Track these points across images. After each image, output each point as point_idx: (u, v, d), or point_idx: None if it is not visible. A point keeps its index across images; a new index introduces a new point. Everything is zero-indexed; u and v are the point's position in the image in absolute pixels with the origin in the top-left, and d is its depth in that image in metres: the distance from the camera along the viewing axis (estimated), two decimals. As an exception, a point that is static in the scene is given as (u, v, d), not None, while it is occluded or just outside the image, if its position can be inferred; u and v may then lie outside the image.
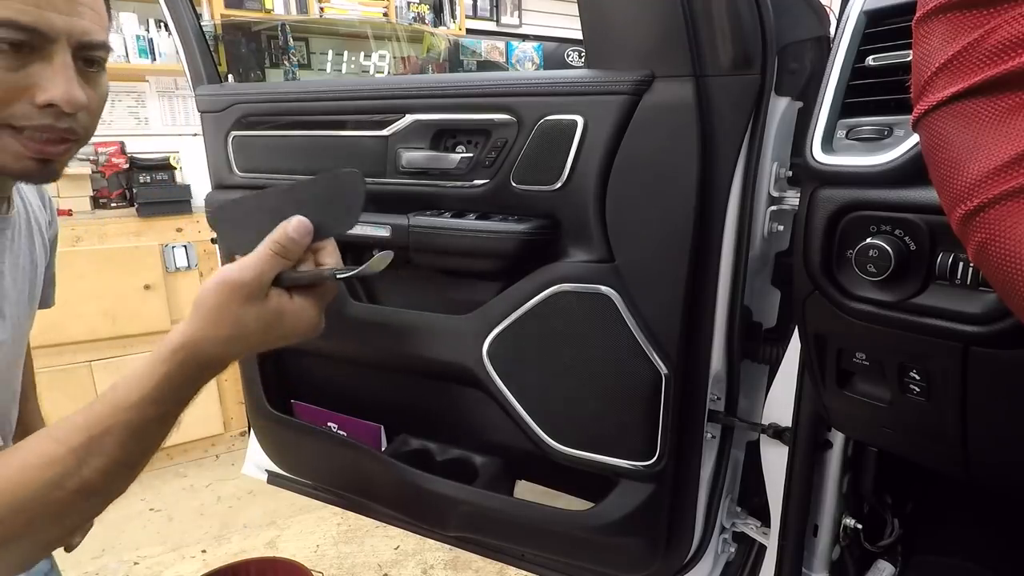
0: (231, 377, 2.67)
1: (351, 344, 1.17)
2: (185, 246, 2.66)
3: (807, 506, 0.94)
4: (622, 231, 0.91)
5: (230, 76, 2.92)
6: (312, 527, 2.20)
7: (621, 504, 1.00)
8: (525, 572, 1.23)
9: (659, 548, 1.01)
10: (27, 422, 1.00)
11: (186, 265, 2.65)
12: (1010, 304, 0.40)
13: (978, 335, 0.61)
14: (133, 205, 2.86)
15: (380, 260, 0.71)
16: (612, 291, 0.91)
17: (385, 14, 3.50)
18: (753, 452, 1.04)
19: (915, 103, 0.44)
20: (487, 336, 1.02)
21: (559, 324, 0.96)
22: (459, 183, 1.01)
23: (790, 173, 0.91)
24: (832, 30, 0.81)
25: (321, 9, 3.32)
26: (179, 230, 2.68)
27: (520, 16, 4.23)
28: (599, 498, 1.03)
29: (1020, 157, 0.37)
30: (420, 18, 3.74)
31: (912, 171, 0.62)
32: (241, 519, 2.28)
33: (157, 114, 3.06)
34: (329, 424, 1.30)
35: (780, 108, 0.88)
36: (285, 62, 3.08)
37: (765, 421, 0.96)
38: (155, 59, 2.89)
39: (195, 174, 3.02)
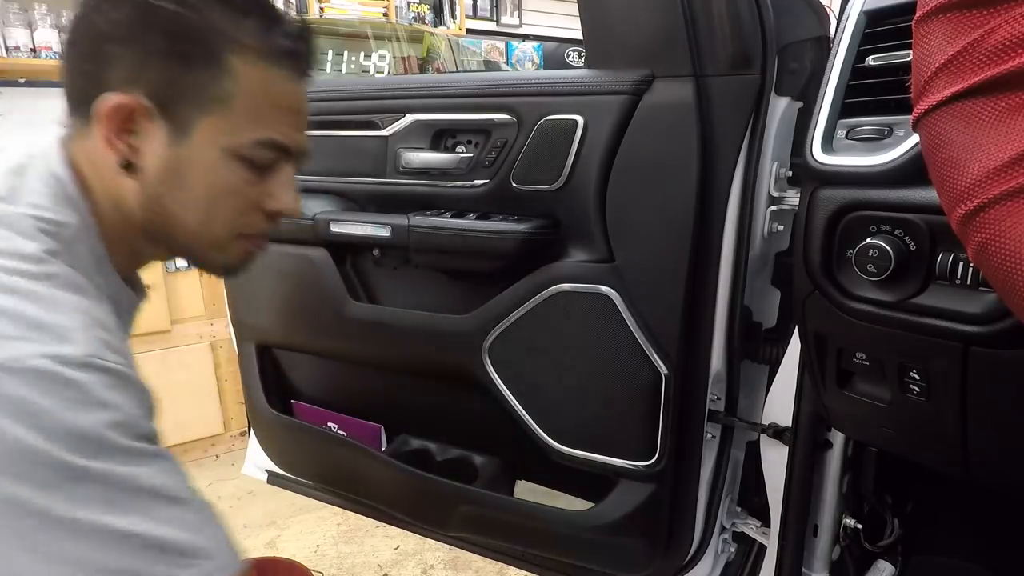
0: (231, 377, 2.67)
1: (351, 344, 1.17)
2: (185, 246, 2.65)
3: (807, 506, 0.94)
4: (622, 231, 0.91)
5: None
6: (312, 527, 2.20)
7: (621, 504, 1.00)
8: (525, 572, 1.23)
9: (659, 548, 1.01)
10: None
11: (186, 265, 2.65)
12: (1010, 304, 0.40)
13: (978, 335, 0.61)
14: (133, 205, 2.85)
15: None
16: (612, 291, 0.91)
17: (385, 14, 3.50)
18: (753, 452, 1.04)
19: (915, 103, 0.44)
20: (487, 336, 1.02)
21: (559, 324, 0.96)
22: (459, 183, 1.01)
23: (790, 173, 0.91)
24: (832, 30, 0.80)
25: (321, 9, 3.32)
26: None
27: (520, 16, 4.23)
28: (599, 498, 1.03)
29: (1020, 157, 0.37)
30: (420, 18, 3.74)
31: (912, 171, 0.62)
32: (241, 519, 2.28)
33: (157, 114, 3.06)
34: (329, 424, 1.30)
35: (780, 108, 0.88)
36: (285, 62, 3.07)
37: (765, 421, 0.96)
38: None
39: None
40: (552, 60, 4.15)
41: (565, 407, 1.01)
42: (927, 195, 0.62)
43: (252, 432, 1.44)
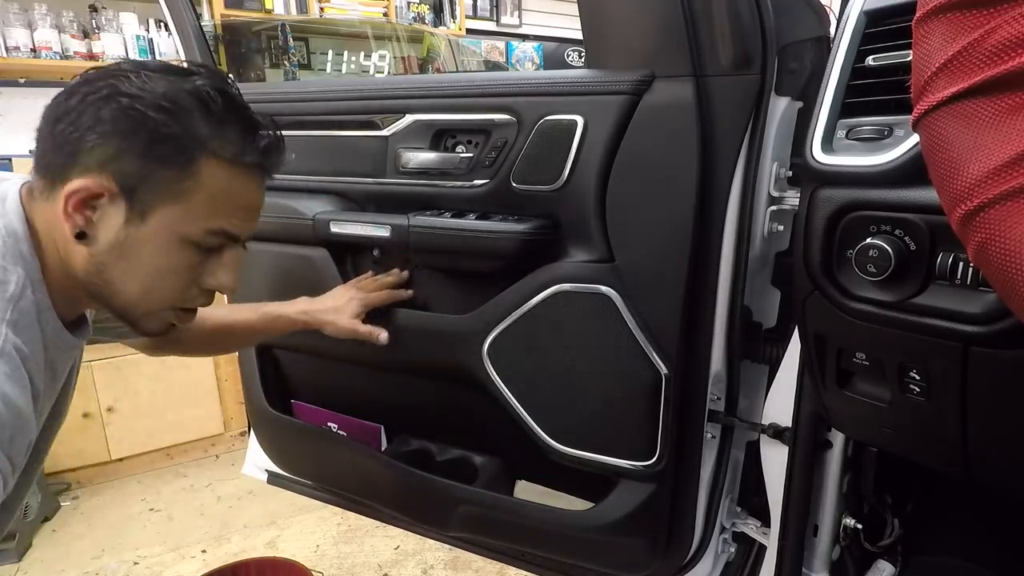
0: (231, 377, 2.66)
1: (351, 344, 1.17)
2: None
3: (807, 506, 0.94)
4: (622, 231, 0.91)
5: (230, 76, 2.92)
6: (312, 527, 2.20)
7: (621, 504, 1.00)
8: (525, 572, 1.23)
9: (659, 548, 1.01)
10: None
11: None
12: (1010, 304, 0.40)
13: (978, 335, 0.61)
14: (133, 205, 2.85)
15: None
16: (612, 291, 0.91)
17: (385, 14, 3.49)
18: (753, 452, 1.04)
19: (915, 103, 0.44)
20: (487, 336, 1.02)
21: (559, 324, 0.96)
22: (459, 183, 1.01)
23: (790, 173, 0.91)
24: (832, 30, 0.80)
25: (321, 9, 3.32)
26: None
27: (520, 16, 4.23)
28: (599, 498, 1.03)
29: (1020, 157, 0.37)
30: (420, 18, 3.74)
31: (912, 171, 0.62)
32: (241, 519, 2.28)
33: (157, 114, 3.06)
34: (329, 424, 1.30)
35: (780, 108, 0.88)
36: (285, 62, 3.08)
37: (765, 421, 0.96)
38: (155, 59, 2.89)
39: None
40: (552, 60, 4.14)
41: (565, 407, 1.01)
42: (927, 195, 0.62)
43: (252, 432, 1.44)
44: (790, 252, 0.94)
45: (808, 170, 0.71)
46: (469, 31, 4.00)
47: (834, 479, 0.94)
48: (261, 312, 1.10)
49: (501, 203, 0.99)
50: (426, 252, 1.04)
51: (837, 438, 0.92)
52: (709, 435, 0.99)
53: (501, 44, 4.09)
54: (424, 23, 3.74)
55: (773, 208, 0.91)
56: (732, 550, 1.12)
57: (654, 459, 0.95)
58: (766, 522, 1.03)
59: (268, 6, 3.11)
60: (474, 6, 4.06)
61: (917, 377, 0.68)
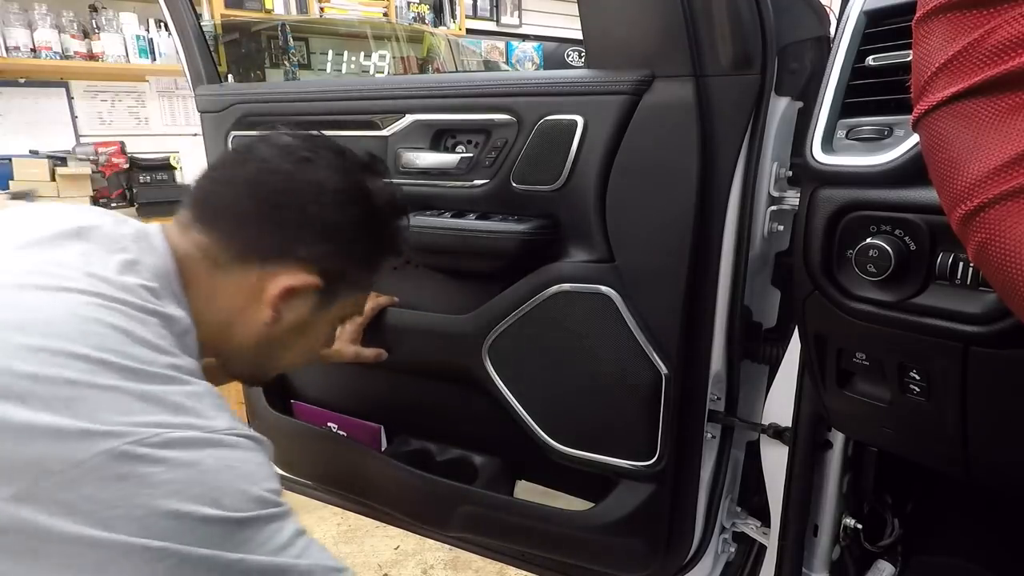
0: (231, 377, 2.66)
1: (351, 344, 1.17)
2: (185, 246, 2.65)
3: (807, 506, 0.94)
4: (622, 231, 0.91)
5: (230, 76, 2.92)
6: (312, 527, 2.20)
7: (621, 504, 1.00)
8: (525, 572, 1.23)
9: (659, 548, 1.01)
10: None
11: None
12: (1010, 304, 0.40)
13: (978, 335, 0.61)
14: (133, 205, 2.86)
15: None
16: (612, 291, 0.91)
17: (385, 14, 3.50)
18: (753, 452, 1.04)
19: (915, 103, 0.44)
20: (487, 336, 1.02)
21: (559, 324, 0.96)
22: (459, 183, 1.01)
23: (790, 173, 0.91)
24: (832, 30, 0.80)
25: (321, 9, 3.32)
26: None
27: (520, 16, 4.23)
28: (599, 498, 1.03)
29: (1020, 157, 0.37)
30: (420, 18, 3.74)
31: (912, 171, 0.62)
32: (241, 519, 2.28)
33: (157, 114, 3.06)
34: (329, 424, 1.30)
35: (780, 108, 0.88)
36: (285, 62, 3.07)
37: (765, 421, 0.96)
38: (155, 59, 2.89)
39: (195, 174, 3.01)
40: (552, 60, 4.15)
41: (565, 407, 1.01)
42: (927, 195, 0.62)
43: (252, 432, 1.44)
44: (790, 252, 0.94)
45: (808, 170, 0.71)
46: (469, 31, 4.01)
47: (834, 479, 0.94)
48: None
49: (501, 203, 0.99)
50: (426, 252, 1.04)
51: (837, 438, 0.92)
52: (709, 435, 0.99)
53: (501, 44, 4.10)
54: (424, 23, 3.74)
55: (773, 208, 0.91)
56: (732, 550, 1.12)
57: (654, 459, 0.95)
58: (766, 522, 1.03)
59: (268, 6, 3.11)
60: (474, 6, 4.06)
61: (917, 377, 0.68)
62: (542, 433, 1.03)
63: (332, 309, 0.74)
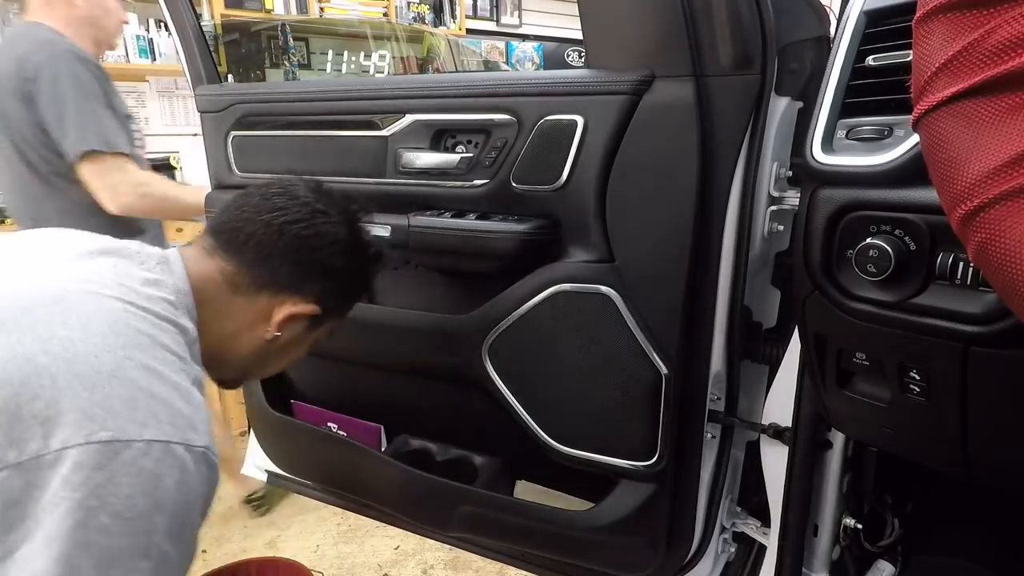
0: (231, 377, 2.66)
1: (351, 344, 1.17)
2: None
3: (807, 506, 0.94)
4: (622, 231, 0.91)
5: (230, 76, 2.92)
6: (312, 527, 2.20)
7: (621, 504, 1.00)
8: (525, 572, 1.23)
9: (659, 548, 1.01)
10: None
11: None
12: (1010, 304, 0.40)
13: (978, 335, 0.61)
14: (133, 205, 2.85)
15: None
16: (612, 291, 0.91)
17: (385, 14, 3.50)
18: (753, 452, 1.04)
19: (915, 103, 0.44)
20: (487, 336, 1.02)
21: (559, 324, 0.96)
22: (459, 183, 1.01)
23: (790, 173, 0.91)
24: (832, 30, 0.80)
25: (321, 9, 3.32)
26: (179, 230, 2.67)
27: (520, 16, 4.23)
28: (599, 498, 1.03)
29: (1020, 157, 0.37)
30: (420, 18, 3.74)
31: (912, 171, 0.62)
32: (241, 519, 2.28)
33: (157, 114, 3.06)
34: (329, 424, 1.30)
35: (780, 108, 0.88)
36: (285, 62, 3.08)
37: (765, 421, 0.96)
38: (155, 59, 2.89)
39: (195, 174, 3.02)
40: (552, 60, 4.15)
41: (565, 407, 1.01)
42: (927, 195, 0.62)
43: (252, 432, 1.44)
44: (790, 252, 0.94)
45: (808, 170, 0.71)
46: (469, 31, 4.01)
47: (834, 479, 0.94)
48: None
49: (501, 203, 0.99)
50: (426, 252, 1.04)
51: (837, 438, 0.92)
52: (709, 435, 0.99)
53: (501, 44, 4.10)
54: (424, 23, 3.74)
55: (773, 208, 0.91)
56: (732, 550, 1.12)
57: (654, 459, 0.95)
58: (766, 522, 1.03)
59: (268, 6, 3.11)
60: (474, 6, 4.06)
61: (917, 377, 0.68)
62: (542, 433, 1.03)
63: (318, 331, 0.89)
